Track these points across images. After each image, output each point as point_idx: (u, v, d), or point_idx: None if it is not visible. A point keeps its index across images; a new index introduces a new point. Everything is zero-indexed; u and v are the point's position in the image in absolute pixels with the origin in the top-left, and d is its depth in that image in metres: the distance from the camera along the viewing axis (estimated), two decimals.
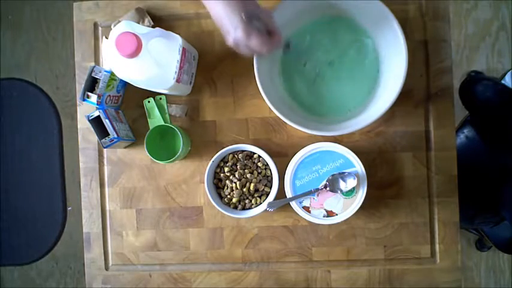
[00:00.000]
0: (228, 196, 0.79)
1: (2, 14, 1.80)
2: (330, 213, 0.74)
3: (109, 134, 0.77)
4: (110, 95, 0.79)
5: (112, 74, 0.77)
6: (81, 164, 0.86)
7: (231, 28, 0.61)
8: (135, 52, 0.65)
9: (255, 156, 0.79)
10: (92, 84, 0.77)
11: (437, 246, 0.80)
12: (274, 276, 0.82)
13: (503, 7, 1.59)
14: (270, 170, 0.78)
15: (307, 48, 0.79)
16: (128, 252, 0.85)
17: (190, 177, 0.84)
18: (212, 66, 0.84)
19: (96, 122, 0.77)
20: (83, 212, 0.86)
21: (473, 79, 1.20)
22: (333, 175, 0.74)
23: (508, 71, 1.52)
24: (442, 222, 0.79)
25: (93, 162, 0.86)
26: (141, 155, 0.84)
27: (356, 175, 0.73)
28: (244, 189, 0.77)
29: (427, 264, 0.80)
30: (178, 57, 0.72)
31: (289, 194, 0.75)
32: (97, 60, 0.87)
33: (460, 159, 0.80)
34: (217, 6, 0.61)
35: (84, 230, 0.86)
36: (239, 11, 0.60)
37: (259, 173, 0.79)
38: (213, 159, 0.78)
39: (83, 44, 0.87)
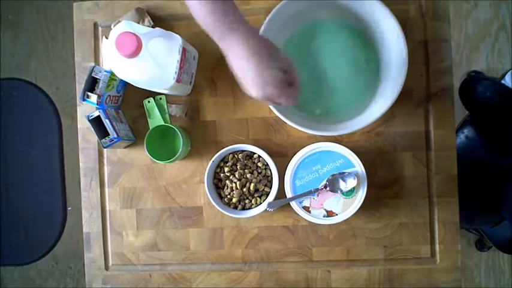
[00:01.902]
0: (228, 196, 0.78)
1: (2, 14, 1.80)
2: (330, 213, 0.74)
3: (109, 134, 0.77)
4: (110, 95, 0.79)
5: (112, 74, 0.77)
6: (81, 164, 0.86)
7: (260, 85, 0.58)
8: (135, 52, 0.65)
9: (255, 156, 0.79)
10: (92, 84, 0.77)
11: (437, 246, 0.80)
12: (274, 276, 0.82)
13: (503, 7, 1.59)
14: (270, 170, 0.78)
15: (307, 49, 0.79)
16: (128, 252, 0.85)
17: (190, 177, 0.84)
18: (212, 66, 0.84)
19: (96, 122, 0.77)
20: (83, 212, 0.86)
21: (473, 79, 1.20)
22: (333, 175, 0.74)
23: (508, 71, 1.52)
24: (442, 222, 0.79)
25: (93, 162, 0.86)
26: (141, 155, 0.84)
27: (356, 175, 0.73)
28: (244, 189, 0.77)
29: (427, 264, 0.80)
30: (178, 57, 0.72)
31: (289, 194, 0.75)
32: (97, 60, 0.87)
33: (460, 159, 0.80)
34: (246, 61, 0.56)
35: (84, 230, 0.86)
36: (271, 68, 0.57)
37: (259, 173, 0.79)
38: (213, 159, 0.78)
39: (83, 44, 0.87)
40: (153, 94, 0.81)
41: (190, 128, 0.84)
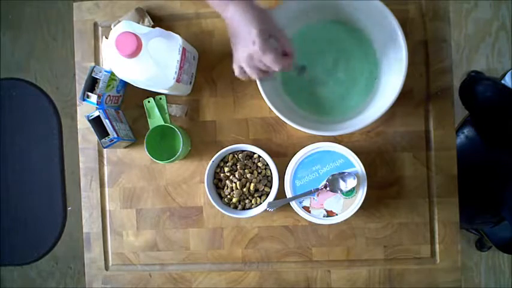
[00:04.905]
0: (228, 196, 0.78)
1: (2, 14, 1.80)
2: (330, 213, 0.74)
3: (109, 134, 0.77)
4: (110, 95, 0.79)
5: (112, 74, 0.77)
6: (81, 164, 0.86)
7: (249, 42, 0.61)
8: (135, 52, 0.65)
9: (255, 156, 0.79)
10: (92, 84, 0.77)
11: (437, 246, 0.80)
12: (274, 276, 0.82)
13: (503, 7, 1.59)
14: (270, 170, 0.78)
15: (307, 50, 0.79)
16: (128, 252, 0.85)
17: (190, 177, 0.84)
18: (212, 66, 0.84)
19: (96, 122, 0.77)
20: (83, 212, 0.86)
21: (473, 79, 1.20)
22: (333, 175, 0.74)
23: (508, 71, 1.52)
24: (442, 222, 0.79)
25: (93, 162, 0.86)
26: (141, 155, 0.84)
27: (356, 175, 0.73)
28: (244, 189, 0.77)
29: (427, 264, 0.80)
30: (178, 57, 0.72)
31: (289, 194, 0.75)
32: (97, 60, 0.87)
33: (460, 159, 0.80)
34: (236, 16, 0.61)
35: (84, 230, 0.86)
36: (257, 24, 0.60)
37: (259, 173, 0.79)
38: (213, 159, 0.78)
39: (83, 44, 0.87)
40: (153, 94, 0.81)
41: (190, 128, 0.84)
